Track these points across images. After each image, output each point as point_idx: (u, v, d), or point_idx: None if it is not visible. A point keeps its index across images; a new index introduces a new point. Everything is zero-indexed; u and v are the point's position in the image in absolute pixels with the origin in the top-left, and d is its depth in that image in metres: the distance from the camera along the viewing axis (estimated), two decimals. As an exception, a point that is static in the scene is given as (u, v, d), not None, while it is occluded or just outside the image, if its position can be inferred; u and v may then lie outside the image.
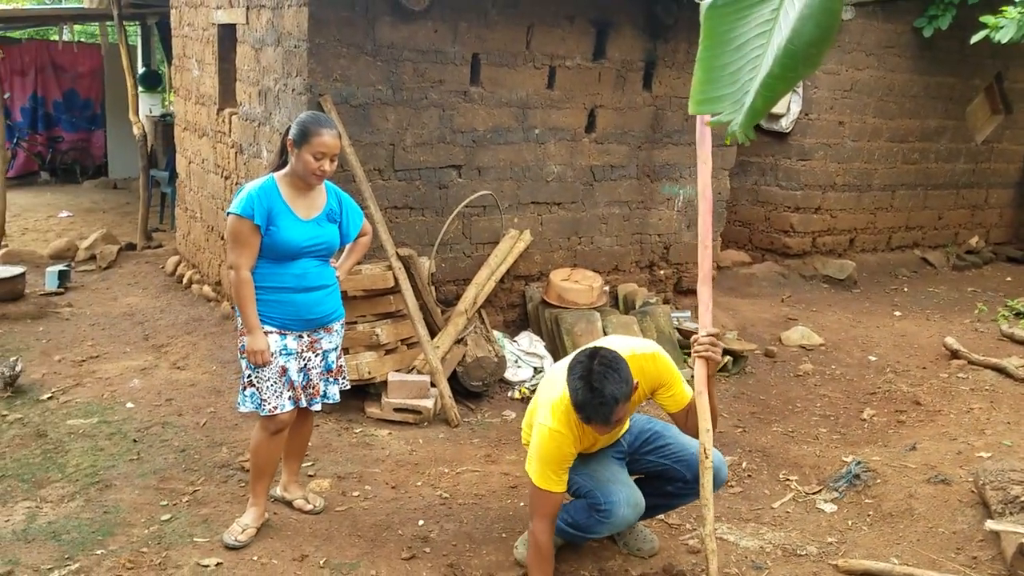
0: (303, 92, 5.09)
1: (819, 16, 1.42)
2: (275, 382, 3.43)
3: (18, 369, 5.01)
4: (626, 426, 3.49)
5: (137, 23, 13.51)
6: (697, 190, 3.14)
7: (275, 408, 3.44)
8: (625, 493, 3.30)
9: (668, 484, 3.49)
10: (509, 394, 5.43)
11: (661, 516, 3.84)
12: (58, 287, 7.12)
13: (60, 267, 7.36)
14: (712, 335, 3.00)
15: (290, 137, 3.33)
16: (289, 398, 3.48)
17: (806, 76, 1.54)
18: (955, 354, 6.36)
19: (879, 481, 4.28)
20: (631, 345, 3.25)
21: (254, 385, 3.44)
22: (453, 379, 5.17)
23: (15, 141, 12.18)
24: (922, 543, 3.75)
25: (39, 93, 12.73)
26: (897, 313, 7.76)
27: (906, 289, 8.72)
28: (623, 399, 2.93)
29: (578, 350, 3.10)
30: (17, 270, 7.02)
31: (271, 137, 5.59)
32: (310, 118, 3.36)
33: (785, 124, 8.57)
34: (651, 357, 3.21)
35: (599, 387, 2.88)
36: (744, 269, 8.57)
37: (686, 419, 3.25)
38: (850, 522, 3.97)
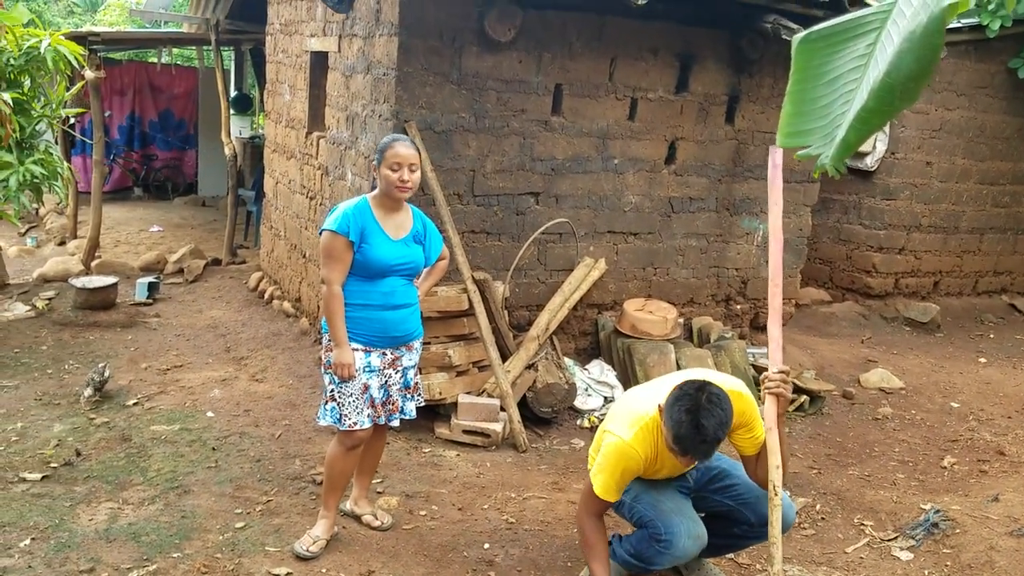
0: (389, 118, 5.22)
1: (919, 50, 1.41)
2: (356, 398, 3.51)
3: (106, 375, 5.22)
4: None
5: (232, 48, 14.02)
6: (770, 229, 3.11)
7: (354, 424, 3.52)
8: (687, 525, 3.26)
9: (734, 526, 3.43)
10: (578, 422, 5.41)
11: (731, 555, 3.78)
12: (147, 298, 7.40)
13: (150, 279, 7.65)
14: (783, 372, 2.96)
15: (373, 162, 3.45)
16: (368, 416, 3.55)
17: (902, 110, 1.52)
18: (1044, 405, 6.13)
19: (958, 531, 4.13)
20: (719, 381, 3.18)
21: (336, 400, 3.52)
22: (523, 404, 5.19)
23: (112, 157, 12.71)
24: (1005, 599, 3.61)
25: (136, 112, 13.28)
26: (982, 360, 7.50)
27: (992, 336, 8.42)
28: (724, 438, 2.92)
29: (683, 380, 3.02)
30: (110, 280, 7.35)
31: (356, 160, 5.74)
32: (385, 138, 3.50)
33: (870, 163, 8.40)
34: (738, 395, 3.13)
35: (705, 424, 2.83)
36: (824, 308, 8.40)
37: (756, 464, 3.19)
38: (927, 571, 3.84)
